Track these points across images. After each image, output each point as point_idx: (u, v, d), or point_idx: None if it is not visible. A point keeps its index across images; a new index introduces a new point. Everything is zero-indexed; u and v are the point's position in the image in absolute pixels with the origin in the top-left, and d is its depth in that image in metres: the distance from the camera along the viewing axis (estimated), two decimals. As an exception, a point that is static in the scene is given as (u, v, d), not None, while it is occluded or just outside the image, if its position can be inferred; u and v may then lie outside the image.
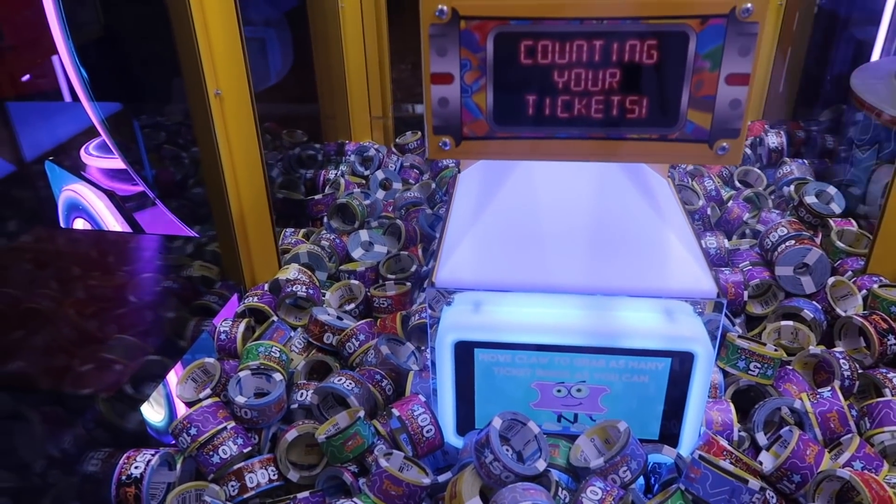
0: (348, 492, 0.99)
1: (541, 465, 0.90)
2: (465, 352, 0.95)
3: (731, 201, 1.64)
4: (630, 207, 1.01)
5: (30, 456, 1.06)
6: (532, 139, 0.84)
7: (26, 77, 1.59)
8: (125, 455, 0.99)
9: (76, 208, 1.82)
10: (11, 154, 1.52)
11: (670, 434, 0.99)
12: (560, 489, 0.90)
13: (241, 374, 1.11)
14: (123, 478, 0.96)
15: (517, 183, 1.05)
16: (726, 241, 1.48)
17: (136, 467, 0.97)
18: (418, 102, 2.41)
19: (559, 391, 0.98)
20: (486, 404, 1.00)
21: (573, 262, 0.96)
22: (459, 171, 1.33)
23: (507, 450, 0.94)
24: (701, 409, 0.97)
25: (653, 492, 1.00)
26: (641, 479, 0.98)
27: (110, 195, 1.80)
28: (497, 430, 0.90)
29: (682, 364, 0.93)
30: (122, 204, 1.79)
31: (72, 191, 1.83)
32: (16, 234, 1.56)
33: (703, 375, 0.93)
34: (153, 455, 0.99)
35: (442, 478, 0.98)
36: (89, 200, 1.81)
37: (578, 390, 0.98)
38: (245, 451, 1.04)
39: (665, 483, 0.99)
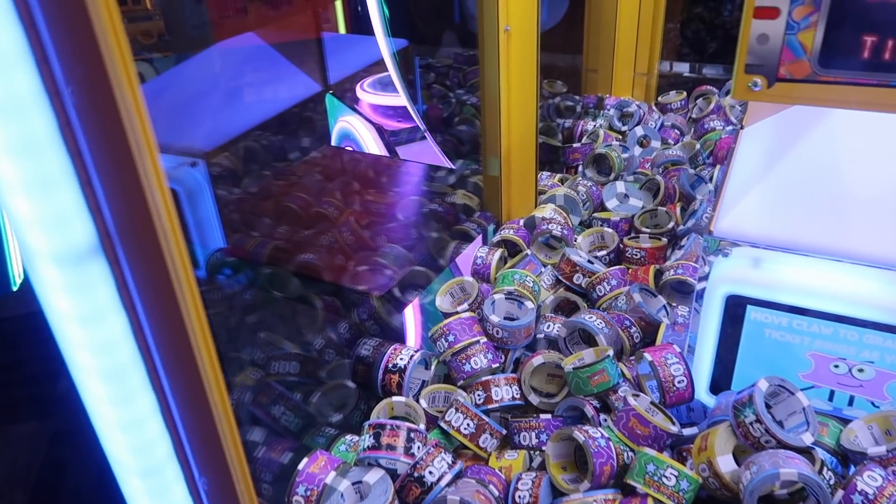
0: (589, 423, 1.00)
1: (808, 437, 0.84)
2: (736, 307, 0.91)
3: None
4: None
5: (311, 334, 1.22)
6: (861, 86, 0.77)
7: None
8: (392, 347, 1.09)
9: (347, 137, 2.03)
10: (320, 77, 1.72)
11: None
12: (825, 469, 0.84)
13: (496, 296, 1.17)
14: (390, 365, 1.07)
15: (820, 138, 0.96)
16: None
17: (401, 358, 1.08)
18: (682, 61, 2.30)
19: (837, 367, 0.90)
20: (749, 366, 0.95)
21: (879, 231, 0.87)
22: (741, 128, 1.25)
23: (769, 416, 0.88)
24: None
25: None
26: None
27: (378, 129, 1.98)
28: (763, 392, 0.85)
29: None
30: (387, 137, 1.97)
31: (346, 122, 2.04)
32: (308, 150, 1.78)
33: None
34: (416, 352, 1.09)
35: (687, 432, 0.96)
36: (359, 131, 2.01)
37: (861, 370, 0.89)
38: (493, 366, 1.10)
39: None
